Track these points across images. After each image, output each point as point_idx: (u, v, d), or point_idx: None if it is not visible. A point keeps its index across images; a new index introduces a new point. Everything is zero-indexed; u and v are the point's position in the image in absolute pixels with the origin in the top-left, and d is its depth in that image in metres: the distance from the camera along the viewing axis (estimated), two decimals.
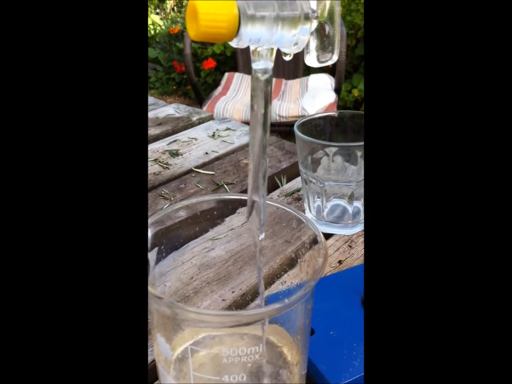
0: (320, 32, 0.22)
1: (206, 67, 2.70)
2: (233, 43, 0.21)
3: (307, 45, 0.23)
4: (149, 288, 0.23)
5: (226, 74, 2.18)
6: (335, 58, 0.23)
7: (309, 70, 2.34)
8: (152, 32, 3.41)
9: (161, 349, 0.27)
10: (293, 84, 2.04)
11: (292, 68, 2.18)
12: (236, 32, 0.20)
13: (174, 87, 3.00)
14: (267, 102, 0.23)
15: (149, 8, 3.74)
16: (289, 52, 0.23)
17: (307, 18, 0.21)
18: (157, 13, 3.73)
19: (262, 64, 0.22)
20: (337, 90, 1.91)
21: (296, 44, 0.22)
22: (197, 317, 0.23)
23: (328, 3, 0.22)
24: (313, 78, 2.05)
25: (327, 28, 0.22)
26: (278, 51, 0.23)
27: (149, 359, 0.35)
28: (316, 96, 1.81)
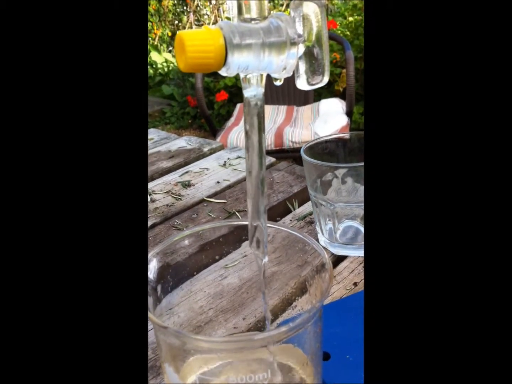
0: (308, 55, 0.23)
1: (219, 100, 2.76)
2: (223, 72, 0.21)
3: (297, 69, 0.23)
4: (153, 317, 0.23)
5: (238, 105, 2.21)
6: (325, 80, 0.24)
7: (320, 96, 2.36)
8: (166, 69, 3.51)
9: (171, 380, 0.27)
10: (305, 110, 2.06)
11: (303, 95, 2.20)
12: (224, 61, 0.20)
13: (189, 121, 3.06)
14: (261, 127, 0.23)
15: (161, 47, 3.86)
16: (279, 77, 0.23)
17: (293, 43, 0.22)
18: (170, 51, 3.85)
19: (253, 90, 0.23)
20: (349, 113, 1.92)
21: (285, 68, 0.22)
22: (200, 344, 0.23)
23: (314, 27, 0.22)
24: (324, 103, 2.06)
25: (315, 52, 0.23)
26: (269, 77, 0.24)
27: None
28: (328, 120, 1.82)
